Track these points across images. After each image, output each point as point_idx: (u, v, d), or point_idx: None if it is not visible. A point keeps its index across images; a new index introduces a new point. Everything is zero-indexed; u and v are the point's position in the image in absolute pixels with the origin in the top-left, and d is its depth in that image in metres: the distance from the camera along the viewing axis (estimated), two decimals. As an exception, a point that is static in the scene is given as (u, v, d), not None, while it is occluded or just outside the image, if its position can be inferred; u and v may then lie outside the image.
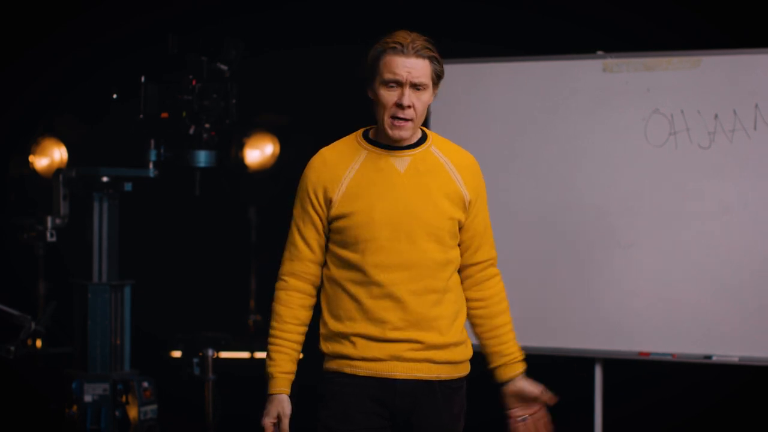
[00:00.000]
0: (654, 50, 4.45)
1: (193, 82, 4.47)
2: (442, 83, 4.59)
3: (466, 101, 4.66)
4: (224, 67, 4.52)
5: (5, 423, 5.27)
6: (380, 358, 2.73)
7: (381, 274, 2.72)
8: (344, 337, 2.76)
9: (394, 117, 2.71)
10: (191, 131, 4.52)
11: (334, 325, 2.77)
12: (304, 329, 2.82)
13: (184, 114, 4.49)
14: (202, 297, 5.85)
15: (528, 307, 4.55)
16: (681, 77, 4.38)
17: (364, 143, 2.80)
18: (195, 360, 4.67)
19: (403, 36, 2.70)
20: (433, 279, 2.75)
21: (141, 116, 4.52)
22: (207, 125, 4.54)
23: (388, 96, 2.70)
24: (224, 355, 4.83)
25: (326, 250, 2.80)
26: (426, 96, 2.74)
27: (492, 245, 2.90)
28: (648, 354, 4.40)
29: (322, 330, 2.81)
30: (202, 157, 4.56)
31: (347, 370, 2.76)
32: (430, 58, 2.71)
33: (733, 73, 4.31)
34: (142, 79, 4.51)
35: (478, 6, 5.20)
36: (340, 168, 2.77)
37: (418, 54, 2.69)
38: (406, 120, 2.71)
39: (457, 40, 5.03)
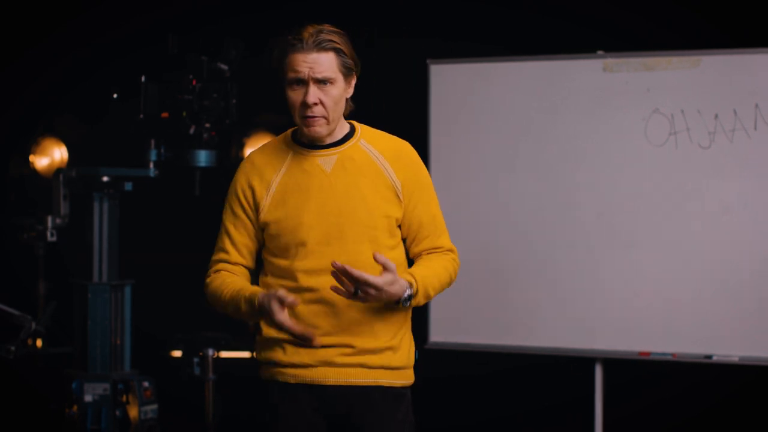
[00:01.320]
0: (654, 50, 4.45)
1: (194, 82, 4.47)
2: (441, 83, 4.65)
3: (465, 101, 4.66)
4: (224, 67, 4.52)
5: (5, 423, 5.26)
6: (309, 363, 2.64)
7: (311, 279, 2.62)
8: (276, 342, 2.68)
9: (304, 116, 2.60)
10: (191, 131, 4.52)
11: (267, 330, 2.69)
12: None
13: (184, 114, 4.49)
14: (202, 297, 5.83)
15: (528, 307, 4.56)
16: (681, 77, 4.38)
17: (291, 144, 2.71)
18: (195, 360, 4.67)
19: (307, 30, 2.60)
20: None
21: (141, 116, 4.52)
22: (207, 125, 4.53)
23: (294, 96, 2.60)
24: (224, 354, 4.83)
25: (258, 258, 2.73)
26: (335, 90, 2.59)
27: (442, 235, 2.72)
28: (648, 354, 4.40)
29: (257, 338, 2.75)
30: (203, 157, 4.56)
31: (279, 378, 2.69)
32: (335, 50, 2.58)
33: (733, 72, 4.32)
34: (143, 78, 4.51)
35: (477, 6, 5.20)
36: (268, 172, 2.69)
37: (319, 47, 2.57)
38: (316, 117, 2.60)
39: (457, 40, 5.04)
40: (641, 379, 5.03)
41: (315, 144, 2.67)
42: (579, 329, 4.50)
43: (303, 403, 2.67)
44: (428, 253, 2.71)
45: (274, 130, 6.03)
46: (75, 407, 4.51)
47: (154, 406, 4.56)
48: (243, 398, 5.34)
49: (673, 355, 4.38)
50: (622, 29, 4.87)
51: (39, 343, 5.01)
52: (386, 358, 2.67)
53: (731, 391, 4.88)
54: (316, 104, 2.58)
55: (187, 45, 4.50)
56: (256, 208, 2.68)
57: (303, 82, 2.58)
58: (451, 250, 2.74)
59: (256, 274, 2.82)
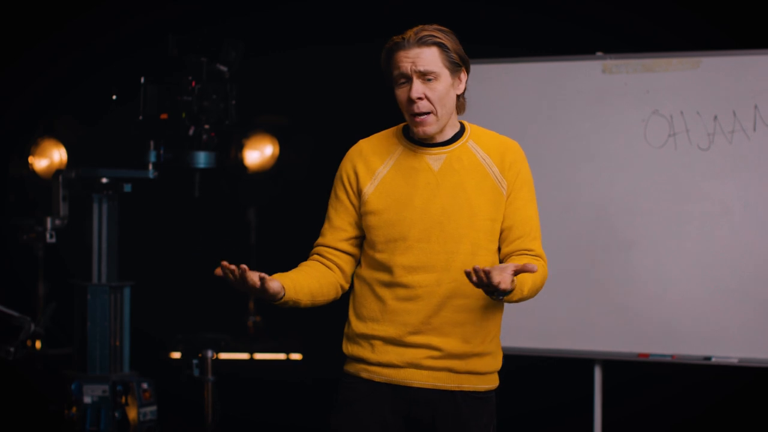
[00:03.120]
0: (654, 51, 4.45)
1: (193, 84, 4.47)
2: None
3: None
4: (224, 68, 4.52)
5: (5, 424, 5.27)
6: (397, 364, 2.64)
7: (408, 276, 2.62)
8: (364, 338, 2.67)
9: (412, 114, 2.61)
10: (191, 132, 4.52)
11: (356, 324, 2.69)
12: (317, 282, 2.66)
13: (183, 115, 4.49)
14: (201, 298, 5.84)
15: (527, 307, 4.53)
16: (681, 78, 4.37)
17: (401, 138, 2.71)
18: (194, 361, 4.66)
19: (411, 29, 2.62)
20: (464, 283, 2.58)
21: (140, 117, 4.52)
22: (206, 126, 4.53)
23: (401, 94, 2.61)
24: (224, 356, 4.84)
25: (361, 246, 2.72)
26: (441, 85, 2.60)
27: (535, 240, 2.67)
28: (647, 355, 4.40)
29: (345, 330, 2.73)
30: (202, 159, 4.56)
31: (364, 375, 2.68)
32: (438, 45, 2.60)
33: (732, 74, 4.31)
34: (142, 80, 4.51)
35: (477, 6, 5.20)
36: (375, 161, 2.69)
37: (421, 43, 2.58)
38: (423, 114, 2.60)
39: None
40: (641, 380, 5.03)
41: (424, 142, 2.68)
42: (578, 330, 4.49)
43: (384, 404, 2.66)
44: (519, 255, 2.66)
45: (274, 131, 6.05)
46: (74, 408, 4.51)
47: (153, 408, 4.56)
48: (242, 399, 5.34)
49: (672, 356, 4.38)
50: (621, 30, 4.87)
51: (38, 344, 5.03)
52: (473, 363, 2.65)
53: (730, 393, 4.89)
54: (420, 99, 2.59)
55: (186, 46, 4.51)
56: (359, 196, 2.67)
57: (407, 78, 2.59)
58: (541, 257, 2.69)
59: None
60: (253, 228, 6.29)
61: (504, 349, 4.57)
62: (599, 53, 4.50)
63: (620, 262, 4.44)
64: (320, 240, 2.75)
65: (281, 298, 2.57)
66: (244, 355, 6.04)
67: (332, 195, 2.75)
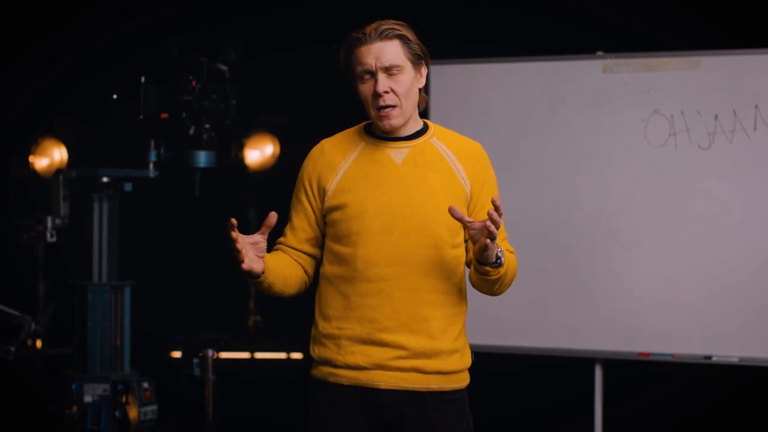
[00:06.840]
0: (654, 51, 4.45)
1: (193, 83, 4.47)
2: (441, 83, 4.65)
3: (465, 102, 4.66)
4: (224, 68, 4.53)
5: (5, 424, 5.27)
6: (364, 366, 2.60)
7: (371, 269, 2.59)
8: (330, 338, 2.64)
9: (378, 108, 2.59)
10: (191, 132, 4.53)
11: (322, 325, 2.66)
12: (289, 270, 2.67)
13: (184, 114, 4.50)
14: (202, 298, 5.85)
15: (528, 307, 4.55)
16: (681, 78, 4.38)
17: (363, 134, 2.70)
18: (195, 361, 4.67)
19: (369, 25, 2.60)
20: (427, 277, 2.60)
21: (141, 117, 4.53)
22: (207, 126, 4.54)
23: (365, 89, 2.59)
24: (224, 355, 4.83)
25: (321, 246, 2.70)
26: (405, 78, 2.59)
27: (504, 239, 2.71)
28: (648, 354, 4.40)
29: (312, 332, 2.70)
30: (202, 158, 4.57)
31: (331, 379, 2.64)
32: (400, 37, 2.58)
33: (733, 73, 4.31)
34: (142, 79, 4.51)
35: (477, 6, 5.20)
36: (336, 158, 2.67)
37: (382, 37, 2.56)
38: (389, 107, 2.59)
39: (456, 41, 5.04)
40: (641, 379, 5.03)
41: (388, 136, 2.67)
42: (579, 329, 4.49)
43: (351, 410, 2.62)
44: None
45: (274, 130, 6.05)
46: (75, 408, 4.52)
47: (154, 407, 4.57)
48: (243, 399, 5.34)
49: (672, 356, 4.38)
50: (621, 30, 4.88)
51: (39, 343, 5.03)
52: (441, 362, 2.62)
53: (731, 392, 4.89)
54: (387, 92, 2.58)
55: (186, 46, 4.51)
56: (322, 194, 2.66)
57: (371, 74, 2.58)
58: (513, 252, 2.72)
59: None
60: (254, 227, 6.28)
61: (505, 349, 4.62)
62: (599, 53, 4.51)
63: (620, 262, 4.44)
64: (282, 239, 2.73)
65: (258, 277, 2.57)
66: (245, 355, 6.04)
67: (294, 195, 2.73)
